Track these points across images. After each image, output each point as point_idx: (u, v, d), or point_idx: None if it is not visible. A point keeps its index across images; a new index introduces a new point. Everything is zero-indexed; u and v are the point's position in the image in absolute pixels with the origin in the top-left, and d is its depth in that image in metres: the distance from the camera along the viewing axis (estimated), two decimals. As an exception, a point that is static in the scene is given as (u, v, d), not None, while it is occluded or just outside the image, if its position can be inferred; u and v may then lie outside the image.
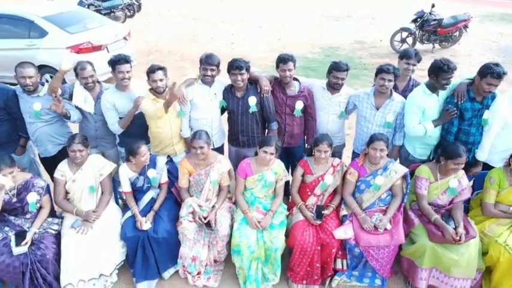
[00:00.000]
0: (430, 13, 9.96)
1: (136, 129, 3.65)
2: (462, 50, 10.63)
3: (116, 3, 12.87)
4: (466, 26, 10.20)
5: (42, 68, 6.88)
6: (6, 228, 3.17)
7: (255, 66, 4.29)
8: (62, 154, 3.68)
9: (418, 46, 10.21)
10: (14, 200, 3.18)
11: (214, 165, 3.44)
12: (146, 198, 3.52)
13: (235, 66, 3.41)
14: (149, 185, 3.49)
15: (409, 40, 10.30)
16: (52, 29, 6.86)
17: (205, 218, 3.34)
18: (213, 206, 3.44)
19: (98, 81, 3.70)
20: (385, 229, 3.21)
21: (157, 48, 10.91)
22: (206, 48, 11.58)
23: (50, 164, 3.70)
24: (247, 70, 3.46)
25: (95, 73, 3.55)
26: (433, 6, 9.93)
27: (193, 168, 3.45)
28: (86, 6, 12.09)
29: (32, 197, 3.17)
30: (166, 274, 3.45)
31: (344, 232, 3.22)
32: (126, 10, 13.60)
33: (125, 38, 7.71)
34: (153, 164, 3.46)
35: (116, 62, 3.41)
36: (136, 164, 3.38)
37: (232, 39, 11.94)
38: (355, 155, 3.84)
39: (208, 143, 3.33)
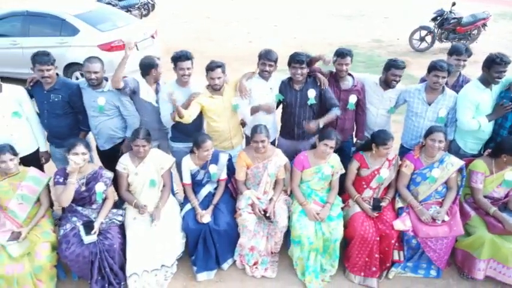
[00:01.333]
0: (450, 11, 10.01)
1: (190, 124, 3.71)
2: (480, 49, 10.67)
3: (132, 2, 12.95)
4: (484, 25, 10.26)
5: (73, 66, 6.97)
6: (74, 219, 3.25)
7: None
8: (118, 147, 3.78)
9: (437, 44, 10.29)
10: (83, 189, 3.26)
11: (272, 158, 3.51)
12: (204, 192, 3.59)
13: (296, 60, 3.49)
14: (208, 179, 3.57)
15: (428, 38, 10.35)
16: (83, 27, 6.93)
17: (264, 210, 3.42)
18: (271, 199, 3.51)
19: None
20: (443, 221, 3.28)
21: (175, 47, 10.85)
22: (224, 46, 11.67)
23: (108, 157, 3.77)
24: (308, 64, 3.54)
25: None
26: (453, 4, 9.98)
27: (251, 161, 3.53)
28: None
29: (100, 187, 3.26)
30: (225, 265, 3.53)
31: (403, 223, 3.29)
32: (142, 9, 13.67)
33: (152, 36, 7.78)
34: (215, 159, 3.53)
35: (178, 59, 3.49)
36: (198, 157, 3.45)
37: (249, 38, 12.01)
38: (403, 149, 3.91)
39: (268, 137, 3.42)
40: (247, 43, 11.38)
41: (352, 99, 3.66)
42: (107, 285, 3.21)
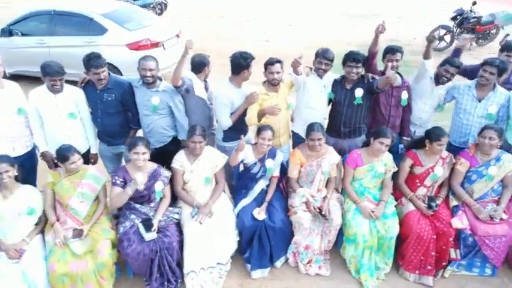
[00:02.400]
0: (470, 11, 10.01)
1: (239, 122, 3.72)
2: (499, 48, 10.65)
3: (147, 1, 12.97)
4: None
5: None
6: (133, 216, 3.26)
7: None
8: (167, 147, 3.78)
9: (456, 43, 10.26)
10: (143, 187, 3.27)
11: (325, 156, 3.52)
12: (257, 188, 3.60)
13: (352, 58, 3.50)
14: (263, 174, 3.57)
15: (447, 38, 10.34)
16: (111, 26, 6.92)
17: (318, 208, 3.42)
18: (325, 197, 3.51)
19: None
20: (501, 219, 3.27)
21: (195, 46, 10.98)
22: (241, 46, 11.59)
23: (157, 155, 3.77)
24: (363, 64, 3.54)
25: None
26: (474, 3, 9.98)
27: (305, 159, 3.53)
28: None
29: (159, 186, 3.26)
30: (278, 263, 3.54)
31: (460, 222, 3.29)
32: (156, 8, 13.70)
33: (177, 36, 7.78)
34: (272, 155, 3.55)
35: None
36: (258, 149, 3.46)
37: (266, 37, 12.01)
38: (451, 147, 3.90)
39: (324, 135, 3.42)
40: (264, 42, 11.37)
41: (404, 95, 3.67)
42: (166, 282, 3.21)
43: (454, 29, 10.12)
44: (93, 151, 3.78)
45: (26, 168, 3.43)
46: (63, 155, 3.15)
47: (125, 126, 3.74)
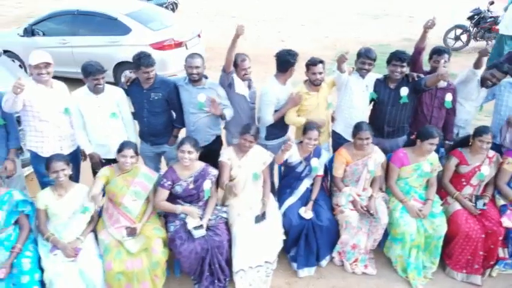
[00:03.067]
0: (488, 10, 10.00)
1: (281, 120, 3.74)
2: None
3: (161, 1, 12.98)
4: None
5: (122, 65, 6.96)
6: (182, 215, 3.27)
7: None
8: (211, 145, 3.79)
9: (472, 44, 10.26)
10: (191, 186, 3.28)
11: (371, 155, 3.52)
12: (303, 187, 3.61)
13: (397, 57, 3.52)
14: (308, 173, 3.58)
15: (463, 37, 10.33)
16: (135, 26, 6.93)
17: (365, 207, 3.43)
18: (371, 196, 3.52)
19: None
20: (550, 217, 3.28)
21: (208, 45, 10.99)
22: (257, 46, 11.66)
23: (200, 154, 3.78)
24: (408, 64, 3.54)
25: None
26: (491, 3, 9.97)
27: (351, 158, 3.54)
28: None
29: (207, 185, 3.27)
30: (324, 262, 3.54)
31: (510, 221, 3.29)
32: (169, 8, 13.71)
33: (198, 35, 7.80)
34: (318, 154, 3.56)
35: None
36: (303, 148, 3.48)
37: (280, 37, 12.02)
38: (494, 145, 3.88)
39: (372, 134, 3.42)
40: (279, 42, 11.35)
41: (449, 97, 3.67)
42: (216, 281, 3.22)
43: (471, 29, 10.11)
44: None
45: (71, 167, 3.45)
46: (120, 149, 3.19)
47: (168, 125, 3.75)
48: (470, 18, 10.16)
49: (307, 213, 3.42)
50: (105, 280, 2.94)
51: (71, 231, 3.04)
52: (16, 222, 3.02)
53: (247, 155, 3.45)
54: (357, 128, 3.43)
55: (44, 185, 3.50)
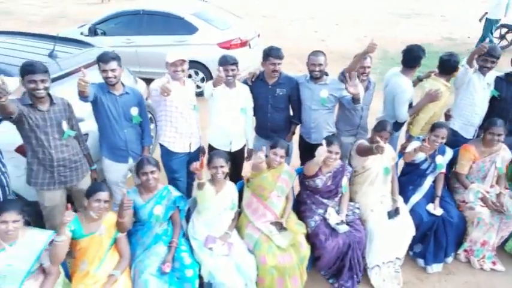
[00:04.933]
0: (536, 9, 9.97)
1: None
2: None
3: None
4: None
5: (190, 64, 6.96)
6: (321, 211, 3.31)
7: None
8: None
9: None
10: (329, 183, 3.32)
11: (499, 152, 3.55)
12: (427, 184, 3.63)
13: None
14: (433, 170, 3.61)
15: (509, 36, 10.33)
16: (202, 26, 6.97)
17: (497, 204, 3.45)
18: (500, 193, 3.53)
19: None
20: None
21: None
22: (298, 45, 11.64)
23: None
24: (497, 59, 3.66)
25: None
26: (540, 2, 9.94)
27: (478, 155, 3.56)
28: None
29: (345, 181, 3.33)
30: (450, 258, 3.57)
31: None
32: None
33: (258, 35, 7.84)
34: (442, 151, 3.62)
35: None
36: (430, 145, 3.49)
37: (319, 36, 12.04)
38: None
39: (504, 131, 3.45)
40: (320, 42, 11.37)
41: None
42: (355, 276, 3.26)
43: (517, 28, 10.10)
44: (250, 146, 3.84)
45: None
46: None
47: (287, 121, 3.81)
48: (517, 17, 10.14)
49: (436, 209, 3.45)
50: (258, 274, 2.98)
51: (220, 226, 3.09)
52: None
53: None
54: (491, 123, 3.46)
55: (172, 181, 3.56)
